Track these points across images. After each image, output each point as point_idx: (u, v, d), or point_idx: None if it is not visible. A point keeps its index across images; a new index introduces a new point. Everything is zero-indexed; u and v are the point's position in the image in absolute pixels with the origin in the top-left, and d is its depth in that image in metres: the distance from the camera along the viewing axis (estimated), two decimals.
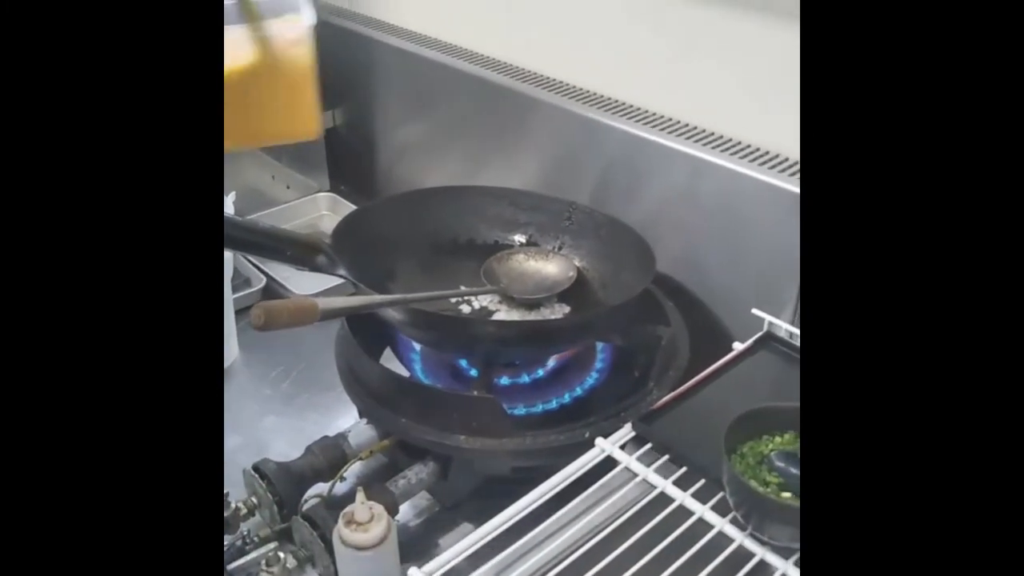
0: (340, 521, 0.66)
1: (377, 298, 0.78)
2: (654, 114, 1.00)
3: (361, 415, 0.86)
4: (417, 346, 0.91)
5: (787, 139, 0.88)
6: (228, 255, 1.00)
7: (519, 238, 1.00)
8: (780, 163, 0.88)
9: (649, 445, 0.71)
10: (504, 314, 0.90)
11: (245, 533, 0.77)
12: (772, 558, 0.61)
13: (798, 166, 0.87)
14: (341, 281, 0.87)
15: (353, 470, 0.83)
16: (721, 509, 0.64)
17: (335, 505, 0.73)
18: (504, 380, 0.87)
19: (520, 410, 0.83)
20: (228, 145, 0.74)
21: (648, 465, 0.69)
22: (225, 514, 0.77)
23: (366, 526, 0.65)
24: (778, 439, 0.65)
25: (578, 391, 0.86)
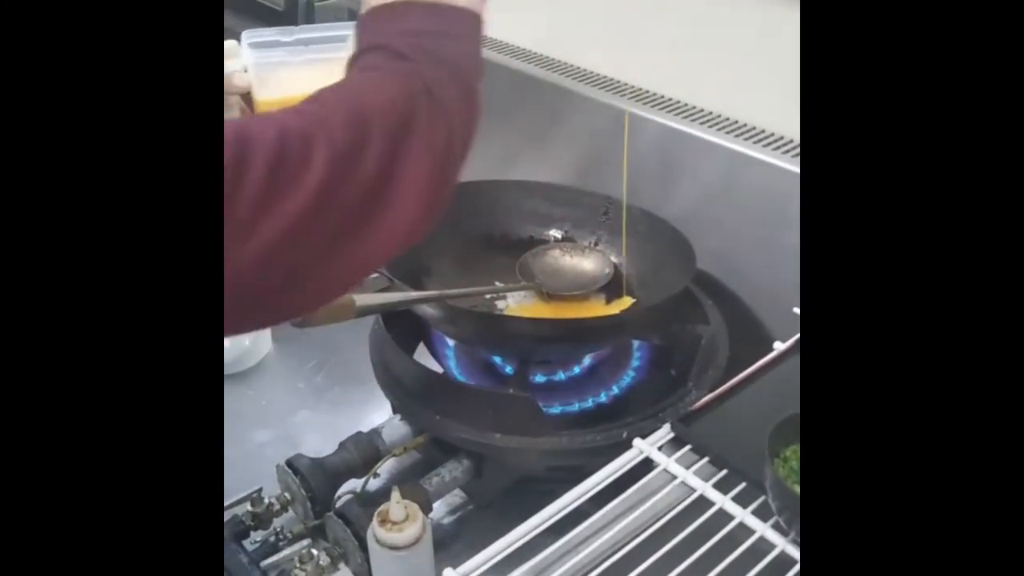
0: (375, 520, 0.65)
1: (413, 294, 0.78)
2: (692, 107, 0.98)
3: (395, 411, 0.85)
4: (451, 342, 0.91)
5: None
6: None
7: (555, 233, 0.99)
8: None
9: (688, 447, 0.70)
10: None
11: (278, 529, 0.77)
12: None
13: None
14: (374, 276, 0.86)
15: (386, 467, 0.82)
16: (762, 514, 0.63)
17: (368, 502, 0.72)
18: (539, 378, 0.86)
19: (556, 409, 0.82)
20: None
21: (687, 467, 0.68)
22: (258, 510, 0.77)
23: (401, 525, 0.64)
24: None
25: (615, 390, 0.85)
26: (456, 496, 0.83)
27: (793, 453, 0.63)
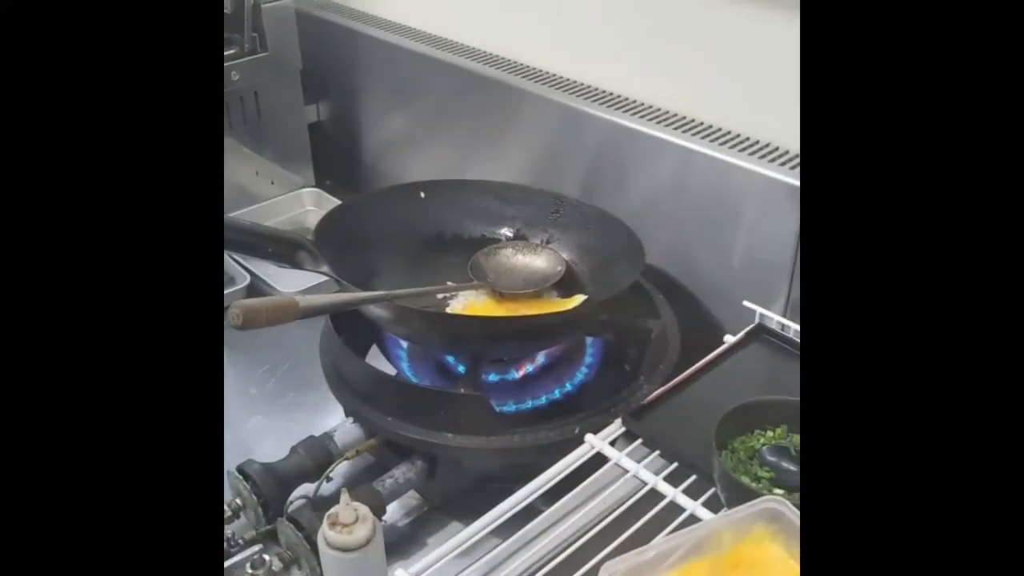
0: (324, 523, 0.65)
1: (360, 295, 0.77)
2: (641, 104, 0.98)
3: (347, 414, 0.84)
4: (404, 343, 0.90)
5: (776, 128, 0.87)
6: None
7: (506, 232, 0.99)
8: (770, 152, 0.86)
9: (639, 440, 0.70)
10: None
11: (230, 535, 0.76)
12: None
13: (788, 155, 0.86)
14: (323, 279, 0.86)
15: (340, 470, 0.81)
16: (713, 505, 0.63)
17: (321, 506, 0.71)
18: (493, 377, 0.86)
19: (510, 407, 0.81)
20: None
21: (638, 461, 0.68)
22: None
23: (351, 527, 0.64)
24: (770, 433, 0.64)
25: (568, 387, 0.84)
26: (411, 498, 0.83)
27: (741, 444, 0.63)
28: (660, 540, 0.57)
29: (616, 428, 0.72)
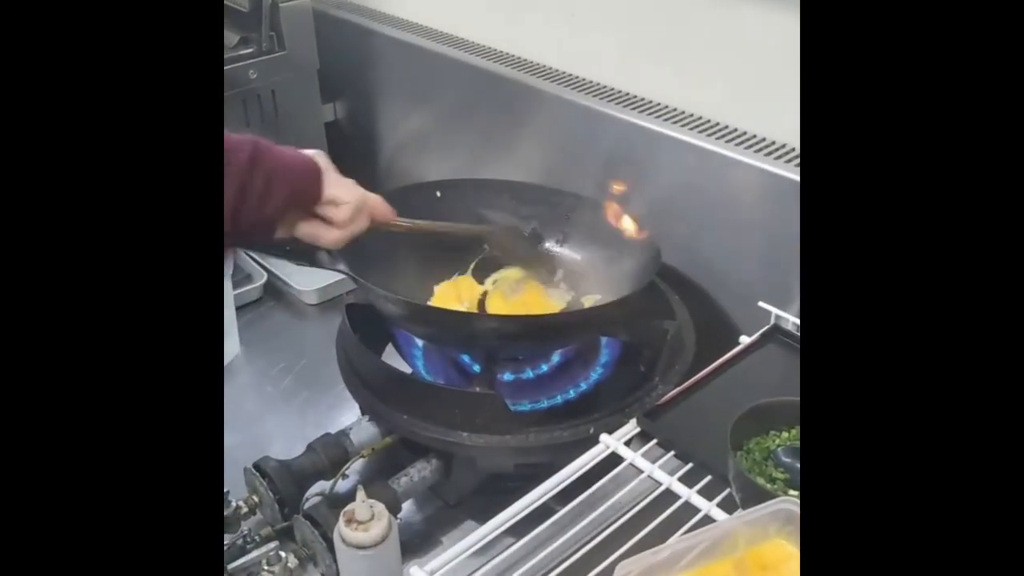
0: (340, 520, 0.65)
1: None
2: (658, 104, 0.98)
3: (363, 412, 0.85)
4: (419, 342, 0.90)
5: (791, 128, 0.87)
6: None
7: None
8: (786, 152, 0.86)
9: (654, 441, 0.70)
10: None
11: (246, 532, 0.76)
12: None
13: None
14: (339, 277, 0.86)
15: (355, 468, 0.82)
16: (727, 506, 0.63)
17: (337, 503, 0.72)
18: (508, 376, 0.86)
19: (525, 406, 0.81)
20: None
21: (653, 461, 0.68)
22: (226, 513, 0.76)
23: (367, 525, 0.64)
24: (785, 434, 0.64)
25: (583, 386, 0.85)
26: (426, 496, 0.83)
27: (756, 444, 0.63)
28: (675, 540, 0.57)
29: (631, 428, 0.72)
